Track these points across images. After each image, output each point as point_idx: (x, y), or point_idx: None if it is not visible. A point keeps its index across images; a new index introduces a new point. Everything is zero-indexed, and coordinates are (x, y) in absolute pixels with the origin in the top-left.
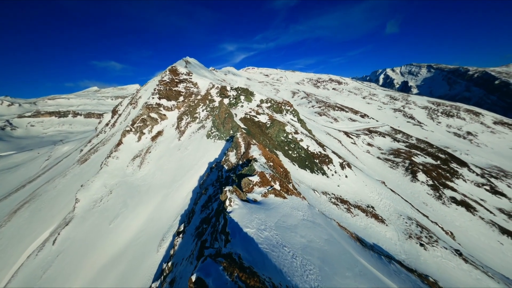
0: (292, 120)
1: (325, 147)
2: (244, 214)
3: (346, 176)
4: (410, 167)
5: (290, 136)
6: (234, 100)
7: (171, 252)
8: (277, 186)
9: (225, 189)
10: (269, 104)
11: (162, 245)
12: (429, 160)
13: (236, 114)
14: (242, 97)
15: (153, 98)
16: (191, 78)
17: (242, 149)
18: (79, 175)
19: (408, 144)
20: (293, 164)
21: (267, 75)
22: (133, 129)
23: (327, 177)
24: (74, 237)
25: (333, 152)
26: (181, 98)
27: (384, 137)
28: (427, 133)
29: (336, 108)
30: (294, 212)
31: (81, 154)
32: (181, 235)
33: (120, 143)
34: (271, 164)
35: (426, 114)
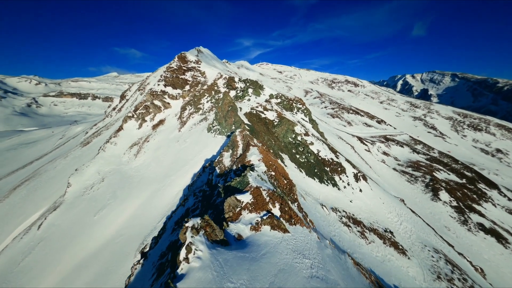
0: (303, 119)
1: (338, 154)
2: (208, 281)
3: (360, 190)
4: (431, 183)
5: (299, 138)
6: (241, 92)
7: (126, 282)
8: (276, 211)
9: (185, 226)
10: (279, 100)
11: (141, 249)
12: (453, 177)
13: (241, 108)
14: (250, 90)
15: (158, 85)
16: (199, 67)
17: (239, 150)
18: (79, 158)
19: (429, 157)
20: (300, 170)
21: (280, 72)
22: (135, 116)
23: (339, 189)
24: (59, 225)
25: (347, 160)
26: (187, 87)
27: (402, 146)
28: (450, 146)
29: (351, 111)
30: (298, 260)
31: (86, 137)
32: (141, 261)
33: (120, 128)
34: (273, 174)
35: (450, 126)
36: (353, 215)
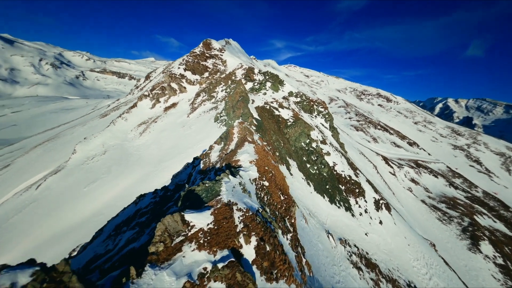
0: (323, 125)
1: (357, 172)
2: None
3: (380, 222)
4: (470, 228)
5: (313, 145)
6: (258, 85)
7: None
8: (248, 251)
9: None
10: (298, 99)
11: (68, 253)
12: (500, 226)
13: (253, 101)
14: (268, 84)
15: (179, 68)
16: (221, 55)
17: (232, 145)
18: (95, 128)
19: (470, 195)
20: (308, 183)
21: (307, 76)
22: (150, 95)
23: (353, 215)
24: (53, 189)
25: (368, 181)
26: (206, 74)
27: (435, 176)
28: (498, 187)
29: (379, 127)
30: None
31: (106, 109)
32: None
33: (134, 105)
34: (266, 184)
35: (501, 163)
36: (367, 253)
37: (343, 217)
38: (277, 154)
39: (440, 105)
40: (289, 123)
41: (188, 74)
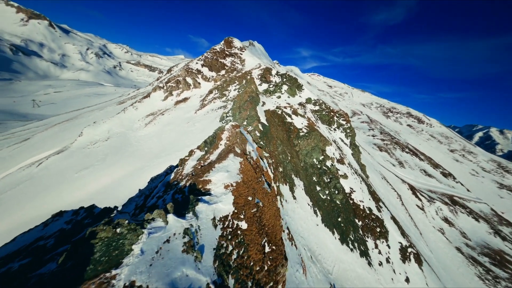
0: (342, 141)
1: (380, 204)
2: None
3: (407, 280)
4: None
5: (328, 163)
6: (274, 87)
7: None
8: None
9: None
10: (317, 108)
11: None
12: None
13: (264, 103)
14: (285, 87)
15: (196, 63)
16: (241, 54)
17: (215, 155)
18: (110, 113)
19: None
20: (315, 212)
21: (330, 86)
22: (164, 87)
23: (370, 263)
24: (51, 169)
25: (393, 218)
26: (223, 72)
27: (476, 220)
28: None
29: (407, 150)
30: None
31: (125, 97)
32: None
33: (147, 96)
34: (243, 227)
35: None
36: None
37: (356, 265)
38: (280, 169)
39: (480, 133)
40: (301, 134)
41: (205, 70)
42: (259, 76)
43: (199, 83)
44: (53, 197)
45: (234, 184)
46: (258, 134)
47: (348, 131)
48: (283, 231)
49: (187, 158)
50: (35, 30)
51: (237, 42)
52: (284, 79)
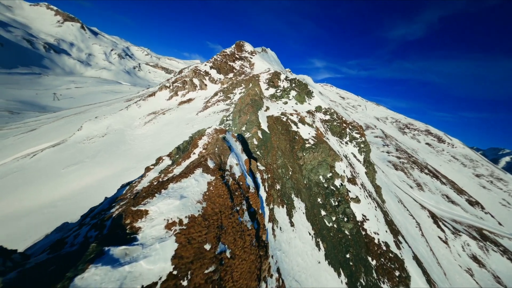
0: (355, 156)
1: (400, 239)
2: None
3: None
4: None
5: (337, 182)
6: (281, 92)
7: None
8: None
9: None
10: (327, 117)
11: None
12: None
13: (268, 108)
14: (293, 93)
15: (205, 65)
16: (251, 58)
17: (181, 167)
18: (115, 109)
19: None
20: (318, 244)
21: (343, 98)
22: (171, 87)
23: None
24: (43, 161)
25: (415, 257)
26: (231, 75)
27: None
28: None
29: (426, 171)
30: None
31: (134, 95)
32: None
33: (152, 94)
34: None
35: None
36: None
37: None
38: (278, 187)
39: (507, 158)
40: (307, 145)
41: (213, 72)
42: (267, 80)
43: (206, 85)
44: (33, 193)
45: (185, 221)
46: (256, 143)
47: (362, 145)
48: (271, 275)
49: (151, 167)
50: (68, 31)
51: (248, 46)
52: (293, 85)
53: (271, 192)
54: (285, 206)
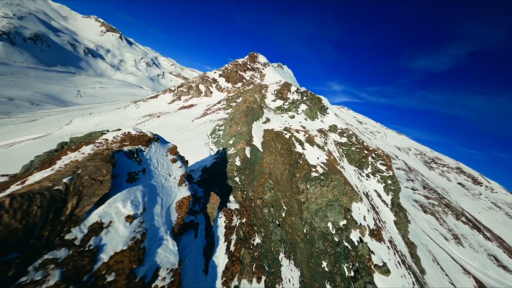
0: (379, 196)
1: None
2: None
3: None
4: None
5: (354, 237)
6: (289, 105)
7: None
8: None
9: None
10: (344, 139)
11: None
12: None
13: (268, 120)
14: (303, 107)
15: (214, 72)
16: (263, 69)
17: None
18: (120, 109)
19: None
20: None
21: (360, 122)
22: (175, 91)
23: None
24: (14, 153)
25: None
26: (239, 84)
27: None
28: None
29: (463, 219)
30: None
31: (143, 97)
32: None
33: (155, 97)
34: None
35: None
36: None
37: None
38: (257, 241)
39: None
40: (314, 174)
41: (221, 80)
42: (275, 91)
43: (211, 92)
44: None
45: None
46: (239, 163)
47: (390, 182)
48: None
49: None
50: (107, 40)
51: (261, 58)
52: (304, 97)
53: (241, 252)
54: (263, 278)
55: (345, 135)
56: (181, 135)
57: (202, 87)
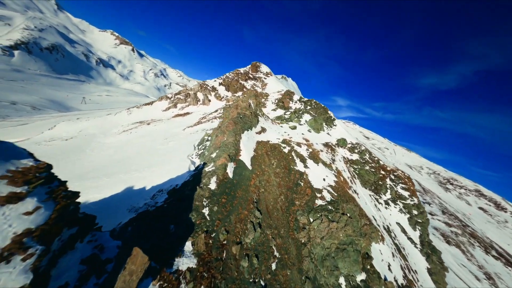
0: (404, 231)
1: None
2: None
3: None
4: None
5: None
6: (290, 115)
7: None
8: None
9: None
10: (355, 156)
11: None
12: None
13: (263, 130)
14: (307, 117)
15: (214, 80)
16: (265, 78)
17: None
18: (115, 115)
19: None
20: None
21: (367, 138)
22: (172, 98)
23: None
24: None
25: None
26: (240, 93)
27: None
28: None
29: (493, 252)
30: None
31: (142, 104)
32: None
33: (149, 103)
34: None
35: None
36: None
37: None
38: None
39: None
40: (319, 201)
41: (221, 89)
42: (276, 100)
43: (209, 100)
44: None
45: None
46: (214, 187)
47: (415, 212)
48: None
49: None
50: (120, 52)
51: (264, 68)
52: (308, 107)
53: None
54: None
55: (356, 151)
56: (166, 145)
57: (200, 95)
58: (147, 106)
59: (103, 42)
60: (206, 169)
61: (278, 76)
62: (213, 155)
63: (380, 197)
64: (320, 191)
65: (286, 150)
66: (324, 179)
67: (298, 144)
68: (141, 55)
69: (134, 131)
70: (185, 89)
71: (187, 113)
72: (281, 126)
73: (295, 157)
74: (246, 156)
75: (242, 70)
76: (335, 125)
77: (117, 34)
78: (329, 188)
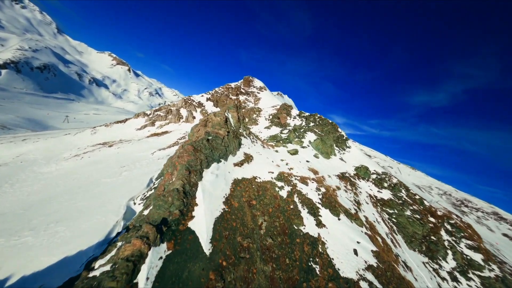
0: None
1: None
2: None
3: None
4: None
5: None
6: (288, 134)
7: None
8: None
9: None
10: (387, 194)
11: None
12: None
13: (247, 158)
14: (310, 136)
15: (202, 96)
16: (258, 93)
17: None
18: (73, 134)
19: None
20: None
21: (369, 156)
22: (151, 115)
23: None
24: None
25: None
26: None
27: None
28: None
29: None
30: None
31: (113, 122)
32: None
33: (123, 121)
34: None
35: None
36: None
37: None
38: None
39: None
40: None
41: (208, 104)
42: (270, 116)
43: (194, 117)
44: None
45: None
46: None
47: None
48: None
49: None
50: (116, 71)
51: (257, 82)
52: (311, 123)
53: None
54: None
55: (386, 184)
56: (116, 177)
57: (183, 112)
58: (119, 124)
59: (99, 62)
60: (112, 253)
61: (274, 92)
62: (146, 212)
63: (441, 267)
64: (354, 282)
65: (284, 193)
66: (355, 250)
67: (303, 180)
68: (137, 75)
69: (87, 156)
70: (166, 106)
71: (165, 132)
72: (276, 151)
73: (299, 206)
74: (203, 217)
75: (233, 84)
76: (348, 147)
77: (114, 55)
78: (369, 274)
